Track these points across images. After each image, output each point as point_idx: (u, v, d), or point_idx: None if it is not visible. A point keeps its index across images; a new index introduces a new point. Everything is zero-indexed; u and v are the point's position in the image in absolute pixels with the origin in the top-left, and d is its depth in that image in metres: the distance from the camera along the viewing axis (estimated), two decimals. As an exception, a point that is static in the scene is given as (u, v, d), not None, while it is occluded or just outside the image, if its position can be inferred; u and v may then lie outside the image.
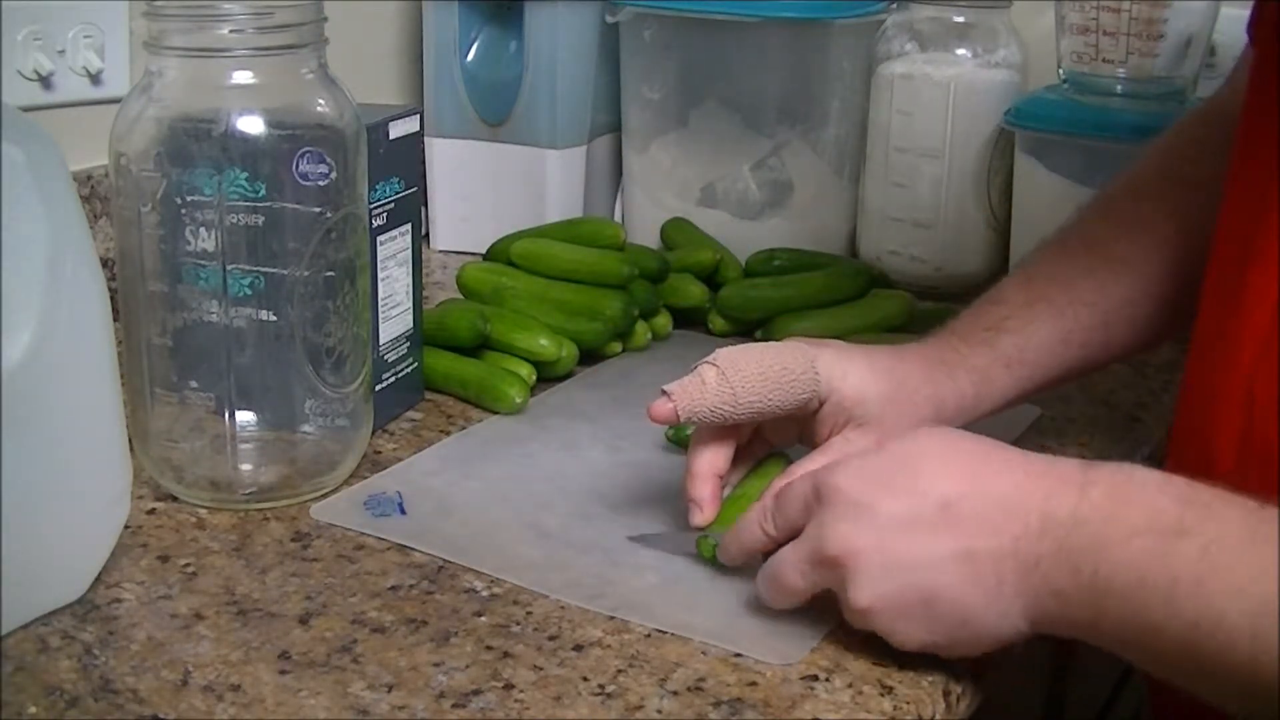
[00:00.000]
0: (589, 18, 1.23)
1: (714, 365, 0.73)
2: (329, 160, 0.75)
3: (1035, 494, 0.59)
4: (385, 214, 0.86)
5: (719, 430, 0.74)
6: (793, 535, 0.66)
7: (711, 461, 0.75)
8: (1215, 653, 0.54)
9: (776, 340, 0.77)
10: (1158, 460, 0.91)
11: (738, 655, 0.65)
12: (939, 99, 1.18)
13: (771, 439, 0.78)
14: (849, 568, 0.62)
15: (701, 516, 0.74)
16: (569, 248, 1.09)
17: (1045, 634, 0.61)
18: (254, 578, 0.71)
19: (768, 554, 0.68)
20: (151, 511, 0.78)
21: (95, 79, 1.05)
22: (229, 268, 0.75)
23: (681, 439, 0.86)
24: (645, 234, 1.24)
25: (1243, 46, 0.78)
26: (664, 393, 0.72)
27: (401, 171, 0.88)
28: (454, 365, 0.95)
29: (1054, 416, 0.95)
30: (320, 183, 0.75)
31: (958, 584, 0.60)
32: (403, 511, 0.78)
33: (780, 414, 0.74)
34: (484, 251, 1.14)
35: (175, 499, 0.79)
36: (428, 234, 1.28)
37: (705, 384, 0.72)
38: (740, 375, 0.72)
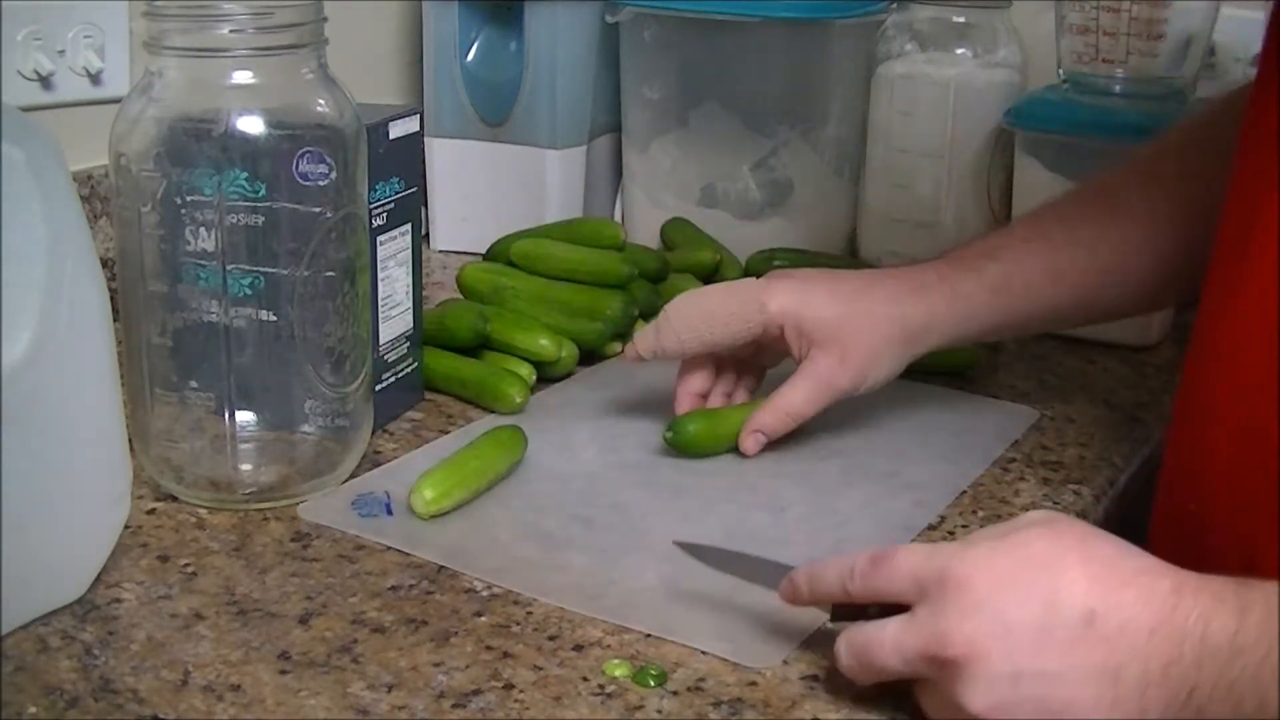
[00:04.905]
0: (589, 18, 1.23)
1: (664, 311, 0.87)
2: (329, 160, 0.75)
3: (1190, 615, 0.54)
4: (385, 214, 0.86)
5: (695, 360, 0.89)
6: (876, 602, 0.61)
7: (687, 384, 0.90)
8: None
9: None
10: (1158, 458, 0.91)
11: (734, 657, 0.65)
12: (939, 99, 1.18)
13: (763, 361, 0.91)
14: (968, 671, 0.56)
15: (679, 409, 0.89)
16: (569, 248, 1.09)
17: None
18: (254, 578, 0.71)
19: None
20: (151, 511, 0.78)
21: (95, 79, 1.05)
22: (229, 268, 0.75)
23: (678, 443, 0.86)
24: (645, 234, 1.24)
25: (1242, 46, 0.78)
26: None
27: (401, 171, 0.88)
28: (454, 365, 0.95)
29: (1054, 416, 0.95)
30: (320, 183, 0.75)
31: (1095, 705, 0.55)
32: (389, 512, 0.78)
33: (731, 344, 0.87)
34: (484, 251, 1.14)
35: (175, 499, 0.79)
36: (428, 234, 1.28)
37: (656, 328, 0.87)
38: (683, 318, 0.86)
